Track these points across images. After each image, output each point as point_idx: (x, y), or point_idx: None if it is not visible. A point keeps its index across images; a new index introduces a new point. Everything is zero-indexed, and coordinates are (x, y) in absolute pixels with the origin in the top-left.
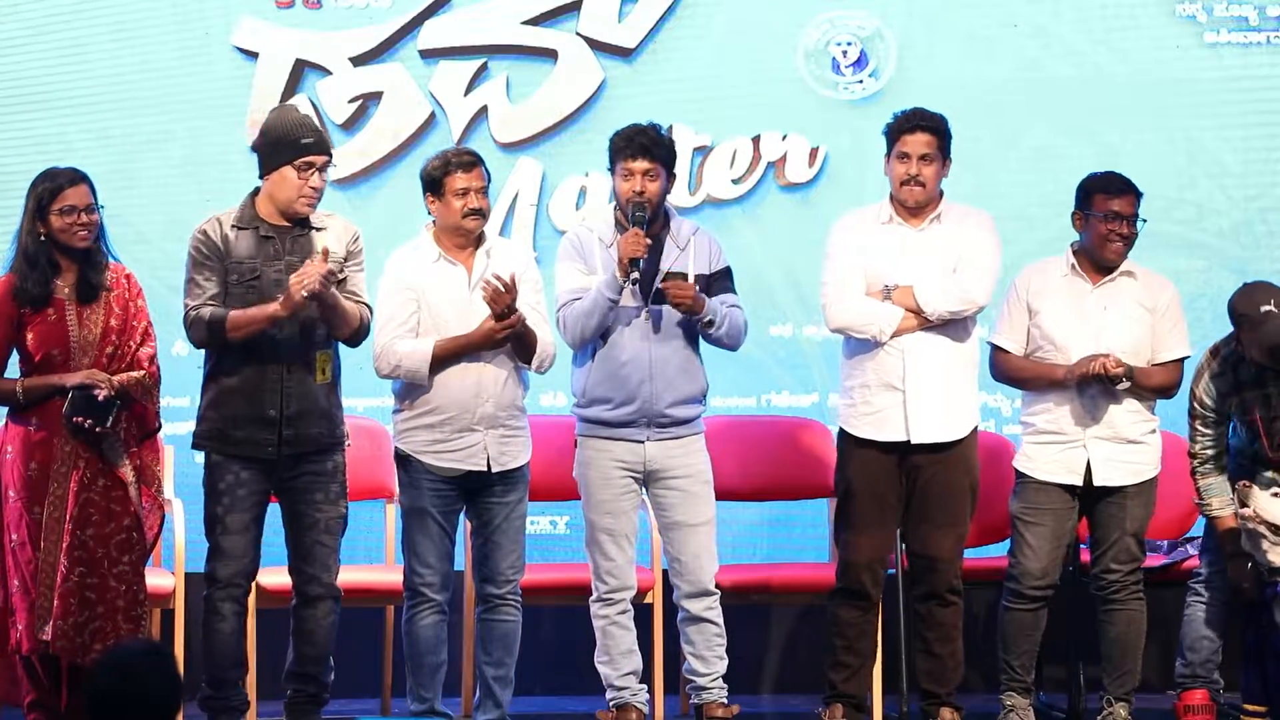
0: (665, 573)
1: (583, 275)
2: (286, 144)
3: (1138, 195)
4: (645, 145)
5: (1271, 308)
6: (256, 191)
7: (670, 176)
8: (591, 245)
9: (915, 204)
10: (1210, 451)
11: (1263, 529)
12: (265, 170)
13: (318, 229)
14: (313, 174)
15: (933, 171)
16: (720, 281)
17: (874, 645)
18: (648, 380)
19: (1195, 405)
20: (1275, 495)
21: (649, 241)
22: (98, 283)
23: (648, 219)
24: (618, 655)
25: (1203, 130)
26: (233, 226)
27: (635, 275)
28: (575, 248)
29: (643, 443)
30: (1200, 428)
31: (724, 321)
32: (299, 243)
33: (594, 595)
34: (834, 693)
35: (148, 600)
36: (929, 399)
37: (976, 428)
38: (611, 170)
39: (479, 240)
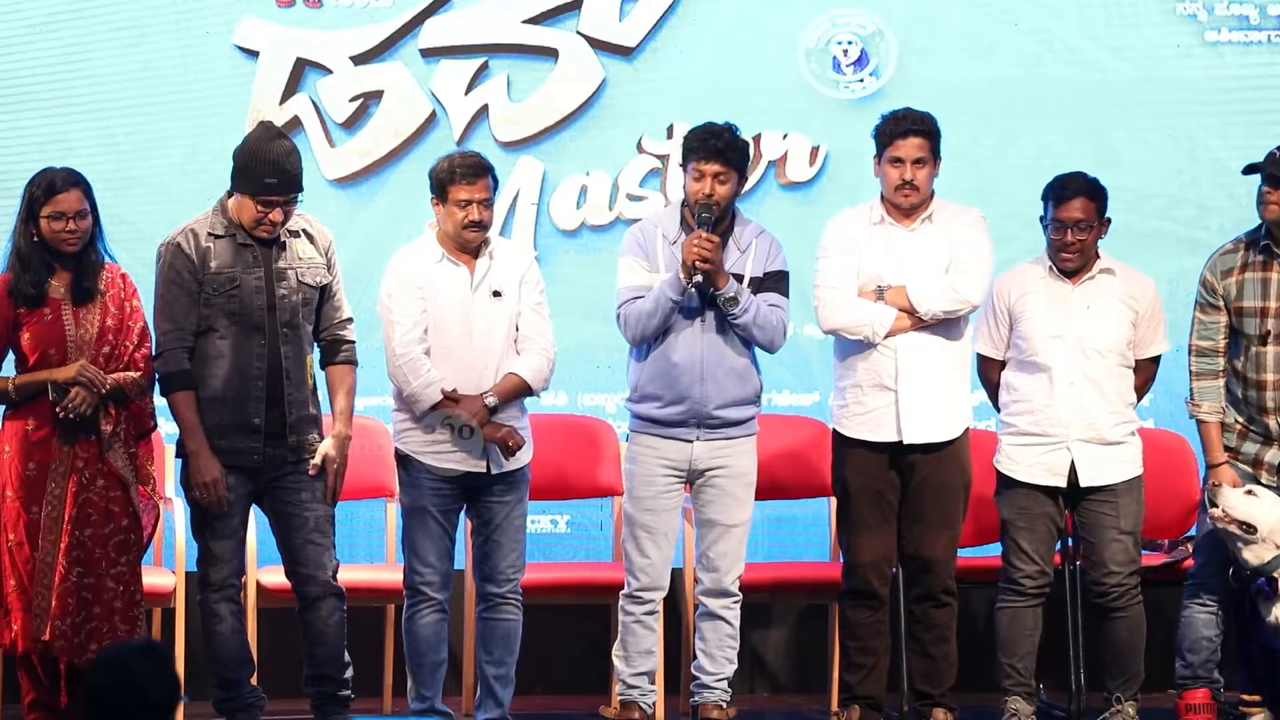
0: (674, 572)
1: (645, 272)
2: (252, 176)
3: (1086, 198)
4: (719, 148)
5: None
6: (228, 195)
7: (742, 179)
8: (655, 241)
9: (910, 207)
10: (1206, 344)
11: (1234, 528)
12: (232, 185)
13: (293, 233)
14: (273, 210)
15: (925, 174)
16: (769, 283)
17: (886, 644)
18: (698, 382)
19: (1199, 288)
20: (1248, 493)
21: (716, 240)
22: (90, 286)
23: (714, 220)
24: (635, 653)
25: (1204, 129)
26: (209, 235)
27: (699, 279)
28: (639, 243)
29: (691, 442)
30: (1199, 315)
31: (750, 308)
32: (281, 251)
33: (624, 590)
34: (850, 694)
35: (144, 600)
36: (921, 399)
37: (969, 428)
38: (684, 167)
39: (482, 242)
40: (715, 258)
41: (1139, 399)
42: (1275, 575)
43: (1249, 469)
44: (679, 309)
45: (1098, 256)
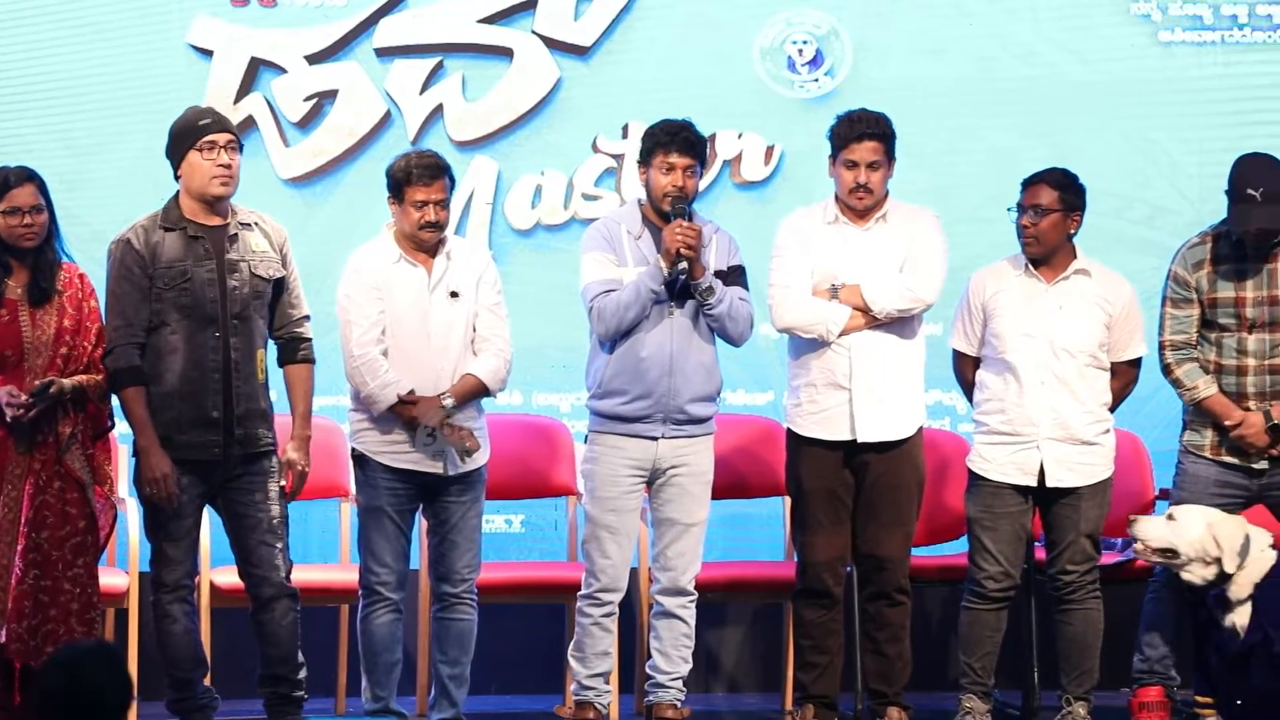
0: (631, 572)
1: (613, 265)
2: (186, 132)
3: (1049, 185)
4: (691, 142)
5: (1256, 195)
6: (177, 195)
7: (702, 176)
8: (620, 236)
9: (864, 209)
10: (1179, 338)
11: (1156, 558)
12: (175, 166)
13: (245, 225)
14: (218, 152)
15: (880, 177)
16: (732, 277)
17: (840, 643)
18: (667, 376)
19: (1169, 284)
20: (1169, 519)
21: (698, 228)
22: (48, 285)
23: (686, 213)
24: (592, 655)
25: (1158, 129)
26: (160, 228)
27: (682, 266)
28: (604, 238)
29: (656, 440)
30: (1171, 310)
31: (725, 299)
32: (232, 243)
33: (583, 590)
34: (805, 693)
35: (101, 602)
36: (875, 398)
37: (922, 426)
38: (645, 164)
39: (439, 242)
40: (698, 246)
41: (1118, 403)
42: (1225, 590)
43: (1236, 460)
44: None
45: (1074, 256)
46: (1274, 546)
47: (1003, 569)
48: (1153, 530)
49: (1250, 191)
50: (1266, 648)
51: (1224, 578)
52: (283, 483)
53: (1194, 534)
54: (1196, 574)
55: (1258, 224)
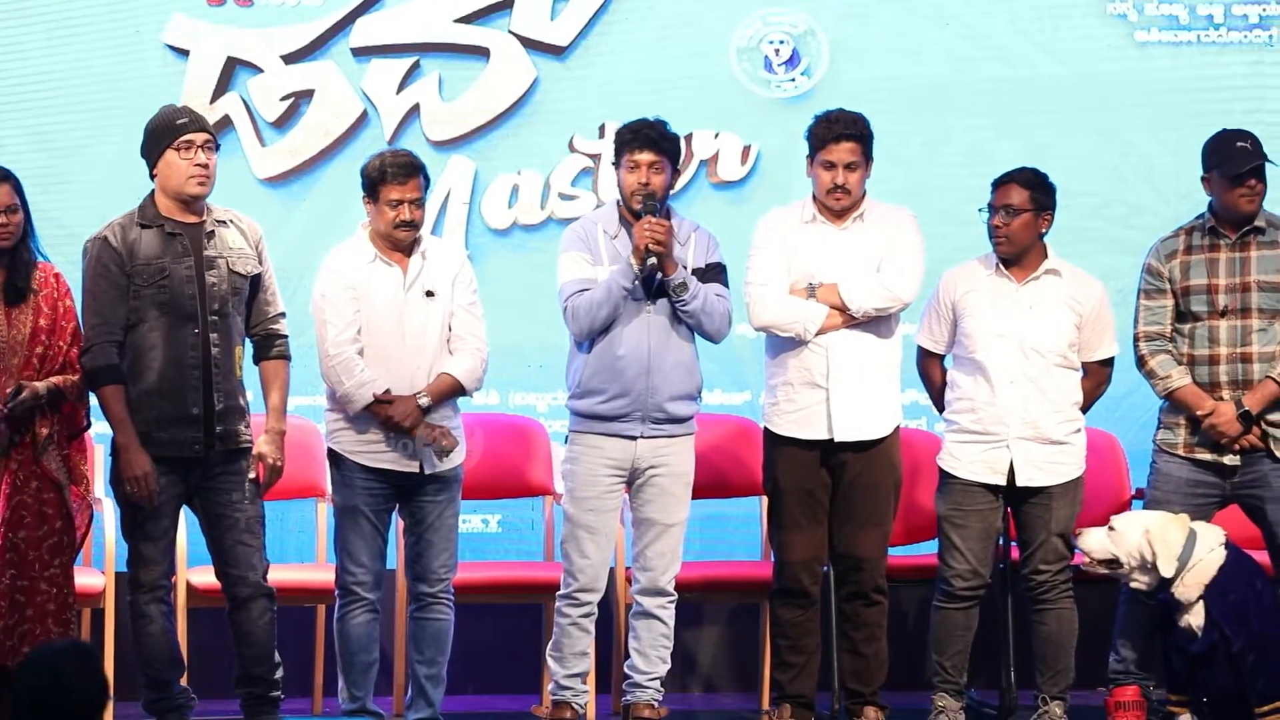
0: (610, 572)
1: (589, 265)
2: (163, 131)
3: (1020, 185)
4: (652, 138)
5: (1247, 145)
6: (153, 193)
7: (675, 172)
8: (596, 236)
9: (842, 209)
10: (1153, 329)
11: (1101, 569)
12: (152, 166)
13: (221, 222)
14: (195, 152)
15: (857, 178)
16: (710, 274)
17: (817, 643)
18: (645, 374)
19: (1143, 276)
20: (1110, 530)
21: (667, 224)
22: (23, 285)
23: (658, 209)
24: (570, 655)
25: (1134, 129)
26: (137, 225)
27: (653, 262)
28: (580, 238)
29: (635, 439)
30: (1145, 302)
31: (699, 295)
32: (210, 239)
33: (561, 590)
34: (782, 693)
35: (76, 603)
36: (852, 397)
37: (899, 426)
38: (616, 164)
39: (414, 242)
40: (668, 241)
41: (1090, 403)
42: (1174, 594)
43: (1208, 456)
44: (628, 299)
45: (1045, 256)
46: (1225, 545)
47: (971, 567)
48: (1094, 542)
49: (1241, 144)
50: (1225, 647)
51: (1167, 582)
52: (253, 475)
53: (1130, 542)
54: (1140, 581)
55: (1250, 163)
